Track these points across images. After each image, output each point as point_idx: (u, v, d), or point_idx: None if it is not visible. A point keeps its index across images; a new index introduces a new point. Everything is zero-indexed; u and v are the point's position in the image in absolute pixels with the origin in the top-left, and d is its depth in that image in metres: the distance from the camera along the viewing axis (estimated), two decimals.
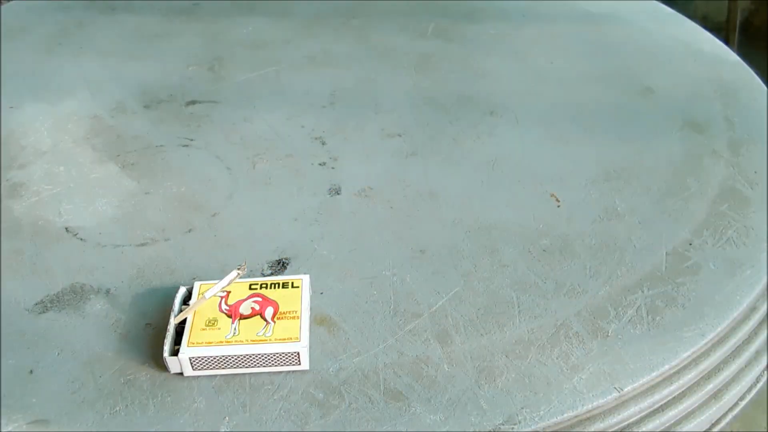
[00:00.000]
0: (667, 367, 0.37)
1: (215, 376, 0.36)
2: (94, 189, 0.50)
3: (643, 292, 0.41)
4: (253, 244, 0.45)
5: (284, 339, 0.35)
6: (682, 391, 0.39)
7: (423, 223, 0.46)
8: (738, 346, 0.42)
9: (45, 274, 0.43)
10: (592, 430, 0.35)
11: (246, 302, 0.38)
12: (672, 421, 0.39)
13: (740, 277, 0.42)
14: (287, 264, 0.43)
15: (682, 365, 0.38)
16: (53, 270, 0.43)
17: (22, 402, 0.35)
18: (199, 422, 0.34)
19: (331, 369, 0.36)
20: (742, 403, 0.44)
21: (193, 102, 0.60)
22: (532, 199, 0.48)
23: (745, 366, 0.43)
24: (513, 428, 0.33)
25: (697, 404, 0.40)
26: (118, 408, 0.35)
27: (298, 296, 0.38)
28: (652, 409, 0.38)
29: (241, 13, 0.75)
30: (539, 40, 0.68)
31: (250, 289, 0.38)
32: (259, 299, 0.38)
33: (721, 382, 0.41)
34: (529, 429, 0.34)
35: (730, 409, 0.43)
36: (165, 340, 0.36)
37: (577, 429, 0.35)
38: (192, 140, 0.55)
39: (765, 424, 0.73)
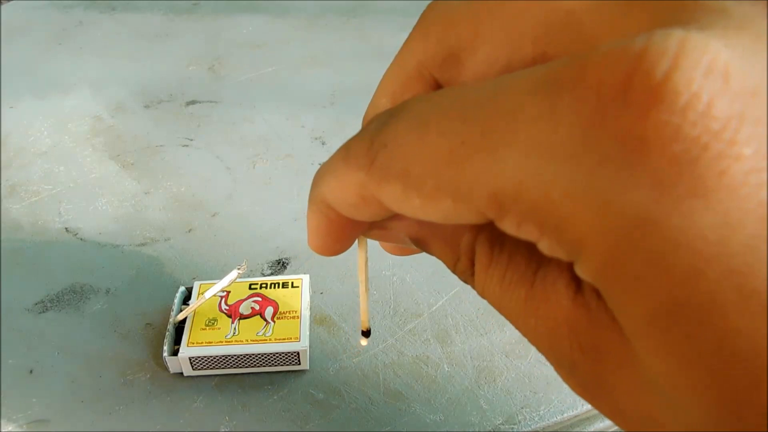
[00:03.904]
0: None
1: (215, 375, 0.36)
2: (94, 189, 0.50)
3: None
4: (253, 244, 0.45)
5: (284, 339, 0.35)
6: None
7: None
8: None
9: (45, 274, 0.43)
10: (592, 430, 0.35)
11: (246, 302, 0.38)
12: None
13: None
14: (287, 264, 0.43)
15: None
16: (53, 270, 0.43)
17: (22, 402, 0.35)
18: (199, 422, 0.34)
19: (331, 369, 0.36)
20: None
21: (193, 102, 0.60)
22: None
23: None
24: (513, 428, 0.34)
25: None
26: (118, 408, 0.35)
27: (298, 296, 0.38)
28: None
29: (241, 13, 0.75)
30: None
31: (250, 288, 0.38)
32: (259, 299, 0.38)
33: None
34: (529, 429, 0.34)
35: None
36: (165, 340, 0.36)
37: (577, 429, 0.35)
38: (192, 140, 0.55)
39: None
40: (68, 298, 0.41)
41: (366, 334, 0.24)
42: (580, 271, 0.13)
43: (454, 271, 0.18)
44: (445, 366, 0.36)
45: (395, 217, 0.17)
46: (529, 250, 0.15)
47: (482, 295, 0.17)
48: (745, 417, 0.11)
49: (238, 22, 0.74)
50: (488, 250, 0.16)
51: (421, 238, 0.18)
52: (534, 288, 0.15)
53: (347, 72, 0.63)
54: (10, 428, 0.34)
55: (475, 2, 0.16)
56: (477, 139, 0.13)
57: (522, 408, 0.34)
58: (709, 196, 0.11)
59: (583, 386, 0.15)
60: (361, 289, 0.22)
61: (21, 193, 0.50)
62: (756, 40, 0.12)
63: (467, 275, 0.17)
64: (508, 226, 0.13)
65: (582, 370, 0.14)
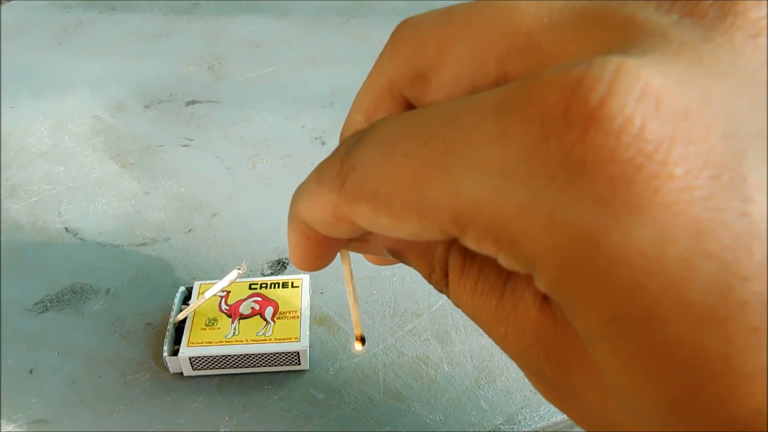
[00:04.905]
0: None
1: (215, 375, 0.36)
2: (94, 189, 0.50)
3: None
4: (253, 244, 0.45)
5: (284, 339, 0.35)
6: None
7: None
8: None
9: (45, 274, 0.43)
10: None
11: (246, 302, 0.38)
12: None
13: None
14: (287, 264, 0.43)
15: None
16: (53, 270, 0.43)
17: (22, 402, 0.35)
18: (199, 422, 0.34)
19: (331, 369, 0.36)
20: None
21: (193, 102, 0.60)
22: None
23: None
24: (513, 428, 0.34)
25: None
26: (118, 408, 0.35)
27: (297, 296, 0.38)
28: None
29: (241, 13, 0.75)
30: None
31: (250, 288, 0.38)
32: (259, 299, 0.38)
33: None
34: (529, 429, 0.34)
35: None
36: (165, 340, 0.36)
37: (577, 429, 0.35)
38: (192, 140, 0.55)
39: None
40: (68, 298, 0.41)
41: (361, 341, 0.25)
42: (537, 283, 0.14)
43: (429, 281, 0.19)
44: (445, 366, 0.36)
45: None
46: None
47: (456, 304, 0.18)
48: (689, 419, 0.11)
49: (238, 22, 0.74)
50: (460, 261, 0.17)
51: (397, 250, 0.19)
52: (503, 298, 0.16)
53: (347, 72, 0.63)
54: (10, 428, 0.34)
55: (442, 24, 0.17)
56: (437, 160, 0.14)
57: (522, 408, 0.34)
58: (644, 213, 0.11)
59: (551, 391, 0.16)
60: (350, 299, 0.23)
61: (21, 193, 0.50)
62: (690, 66, 0.12)
63: (442, 285, 0.18)
64: (470, 243, 0.14)
65: (549, 376, 0.15)
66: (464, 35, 0.16)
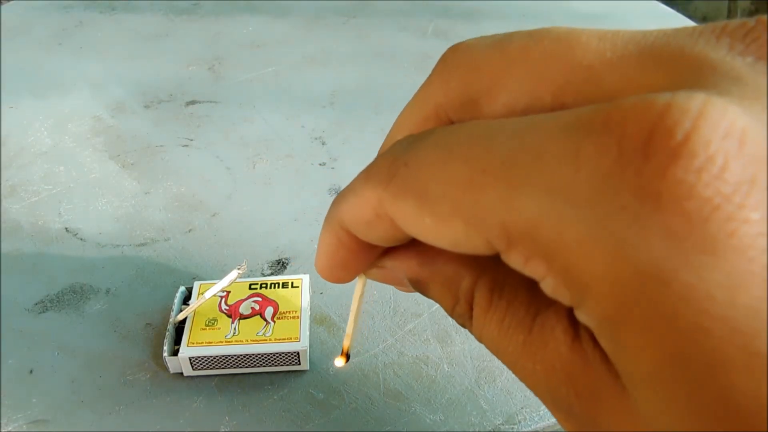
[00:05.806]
0: None
1: (215, 375, 0.36)
2: (94, 189, 0.50)
3: None
4: (253, 244, 0.45)
5: (284, 339, 0.35)
6: None
7: None
8: None
9: (45, 274, 0.43)
10: None
11: (246, 302, 0.38)
12: None
13: None
14: (287, 264, 0.43)
15: None
16: (53, 270, 0.43)
17: (22, 402, 0.35)
18: (199, 422, 0.34)
19: (331, 369, 0.36)
20: None
21: (193, 102, 0.60)
22: None
23: None
24: (513, 428, 0.34)
25: None
26: (118, 408, 0.35)
27: (298, 296, 0.38)
28: None
29: (241, 13, 0.75)
30: None
31: (250, 288, 0.38)
32: (259, 299, 0.38)
33: None
34: (529, 429, 0.34)
35: None
36: (165, 340, 0.36)
37: None
38: (192, 140, 0.55)
39: None
40: (68, 298, 0.41)
41: (346, 357, 0.25)
42: (583, 315, 0.13)
43: (451, 315, 0.18)
44: (445, 366, 0.36)
45: (396, 257, 0.18)
46: (527, 296, 0.16)
47: (480, 338, 0.17)
48: None
49: (238, 22, 0.74)
50: (488, 294, 0.17)
51: (420, 280, 0.19)
52: (532, 333, 0.15)
53: (347, 72, 0.63)
54: (10, 428, 0.34)
55: (497, 51, 0.17)
56: (498, 170, 0.13)
57: (522, 408, 0.34)
58: (717, 254, 0.11)
59: (578, 429, 0.15)
60: (351, 317, 0.23)
61: (21, 193, 0.50)
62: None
63: (465, 318, 0.18)
64: (515, 260, 0.14)
65: (578, 413, 0.15)
66: (521, 64, 0.16)
